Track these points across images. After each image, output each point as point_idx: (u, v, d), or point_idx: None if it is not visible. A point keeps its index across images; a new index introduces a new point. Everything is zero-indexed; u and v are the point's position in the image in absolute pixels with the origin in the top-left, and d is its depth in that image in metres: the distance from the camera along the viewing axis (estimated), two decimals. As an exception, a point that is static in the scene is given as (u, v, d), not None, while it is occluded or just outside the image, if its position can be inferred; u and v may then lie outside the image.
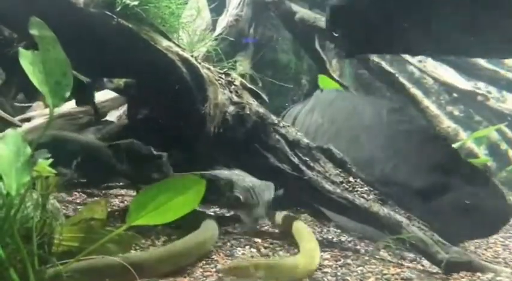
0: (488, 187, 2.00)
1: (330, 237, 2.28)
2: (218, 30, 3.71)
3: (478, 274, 1.58)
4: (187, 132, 2.12)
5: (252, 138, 2.10)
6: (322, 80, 3.49)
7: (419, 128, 2.15)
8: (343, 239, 2.23)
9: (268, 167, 2.07)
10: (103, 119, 3.21)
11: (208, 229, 1.83)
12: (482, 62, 3.36)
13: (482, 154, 5.20)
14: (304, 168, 2.05)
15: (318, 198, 2.00)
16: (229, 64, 3.50)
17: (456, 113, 6.49)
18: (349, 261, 1.78)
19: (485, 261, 1.63)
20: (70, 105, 3.04)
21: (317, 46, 3.76)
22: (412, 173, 2.04)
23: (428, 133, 2.12)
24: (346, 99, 2.53)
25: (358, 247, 2.09)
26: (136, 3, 2.15)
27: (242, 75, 3.62)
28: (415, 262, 1.81)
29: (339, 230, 2.33)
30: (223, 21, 3.72)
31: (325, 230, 2.43)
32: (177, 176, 1.37)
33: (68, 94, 1.45)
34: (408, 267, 1.71)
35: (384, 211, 1.86)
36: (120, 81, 2.45)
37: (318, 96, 2.85)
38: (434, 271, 1.73)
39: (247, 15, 3.69)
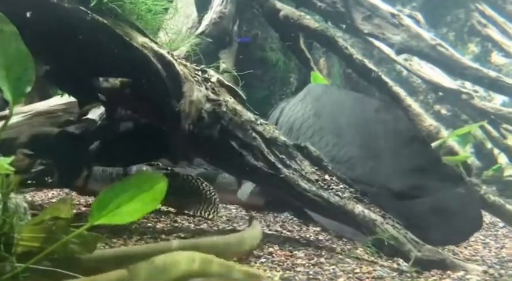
0: (465, 192, 1.98)
1: (308, 236, 2.26)
2: (201, 27, 3.67)
3: (449, 272, 1.58)
4: (162, 130, 2.08)
5: (228, 136, 2.07)
6: (315, 77, 3.48)
7: (401, 128, 2.11)
8: (321, 237, 2.21)
9: (244, 165, 2.04)
10: (84, 118, 3.16)
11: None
12: (466, 60, 3.36)
13: (464, 152, 5.23)
14: (280, 166, 2.02)
15: (294, 196, 1.98)
16: (214, 63, 3.49)
17: (443, 111, 6.54)
18: (322, 260, 1.76)
19: (458, 259, 1.62)
20: (49, 103, 2.99)
21: (301, 44, 3.75)
22: (392, 174, 2.02)
23: (409, 134, 2.08)
24: (334, 94, 2.49)
25: (335, 245, 2.08)
26: (110, -2, 2.12)
27: (225, 73, 3.61)
28: (391, 261, 1.80)
29: (317, 229, 2.31)
30: (207, 18, 3.69)
31: (304, 228, 2.41)
32: (140, 174, 1.33)
33: (29, 90, 1.42)
34: (382, 265, 1.70)
35: (359, 209, 1.84)
36: (117, 81, 2.41)
37: (309, 88, 2.82)
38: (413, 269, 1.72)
39: (231, 12, 3.66)
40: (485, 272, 1.53)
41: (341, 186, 1.96)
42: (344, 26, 3.86)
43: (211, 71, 2.26)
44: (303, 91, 2.74)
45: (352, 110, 2.26)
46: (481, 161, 5.12)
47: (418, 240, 1.69)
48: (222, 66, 3.60)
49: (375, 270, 1.62)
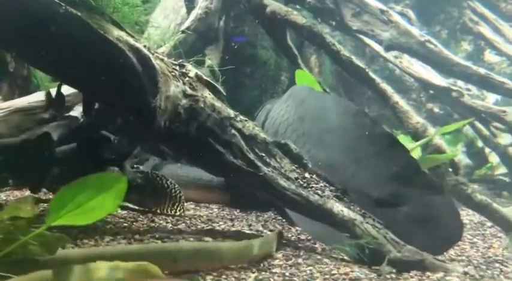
0: (444, 202, 1.93)
1: (290, 235, 2.20)
2: (187, 23, 3.60)
3: (428, 273, 1.52)
4: (138, 126, 2.01)
5: (206, 133, 2.00)
6: (299, 75, 3.41)
7: (381, 134, 2.06)
8: (302, 237, 2.15)
9: (222, 162, 1.97)
10: (66, 114, 3.09)
11: (263, 239, 1.76)
12: (455, 57, 3.31)
13: (453, 150, 5.19)
14: (260, 164, 1.96)
15: (273, 195, 1.91)
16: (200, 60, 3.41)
17: (436, 110, 6.50)
18: (300, 261, 1.70)
19: (438, 260, 1.57)
20: (29, 100, 2.91)
21: (289, 40, 3.68)
22: (372, 180, 1.98)
23: (388, 140, 2.03)
24: (317, 98, 2.45)
25: (316, 245, 2.02)
26: (84, -10, 2.04)
27: (211, 70, 3.54)
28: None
29: (300, 228, 2.25)
30: (193, 14, 3.61)
31: (286, 228, 2.35)
32: (100, 173, 1.27)
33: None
34: (360, 267, 1.64)
35: (338, 208, 1.78)
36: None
37: (293, 91, 2.77)
38: (388, 270, 1.66)
39: (217, 8, 3.58)
40: (465, 273, 1.48)
41: (321, 184, 1.89)
42: (334, 23, 3.82)
43: (189, 66, 2.19)
44: (287, 93, 2.69)
45: (333, 114, 2.22)
46: (473, 159, 5.09)
47: (398, 240, 1.63)
48: (208, 62, 3.53)
49: (352, 271, 1.56)
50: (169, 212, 2.25)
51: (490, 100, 5.51)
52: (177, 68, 2.15)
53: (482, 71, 3.14)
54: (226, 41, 3.72)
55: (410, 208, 1.88)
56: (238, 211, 2.65)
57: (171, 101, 2.01)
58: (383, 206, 1.80)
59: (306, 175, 1.95)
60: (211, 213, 2.54)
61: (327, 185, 1.90)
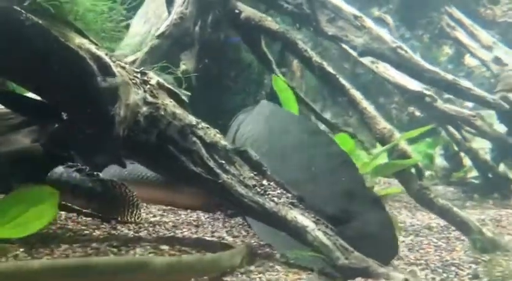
0: (380, 218, 2.00)
1: (252, 241, 2.22)
2: (161, 28, 3.61)
3: (370, 280, 1.55)
4: (97, 135, 2.02)
5: (166, 141, 2.02)
6: (276, 81, 3.45)
7: (334, 152, 2.14)
8: (263, 243, 2.18)
9: (182, 170, 1.99)
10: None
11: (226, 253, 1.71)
12: (424, 63, 3.37)
13: (434, 153, 5.25)
14: (219, 171, 1.98)
15: (231, 201, 1.94)
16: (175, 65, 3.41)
17: (417, 113, 6.59)
18: (252, 268, 1.72)
19: (383, 267, 1.60)
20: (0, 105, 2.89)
21: (263, 46, 3.72)
22: (326, 198, 2.04)
23: (340, 158, 2.11)
24: (279, 116, 2.54)
25: (276, 251, 2.04)
26: (44, -2, 2.05)
27: (185, 74, 3.55)
28: (322, 267, 1.77)
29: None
30: (168, 19, 3.62)
31: (251, 234, 2.37)
32: (30, 187, 1.27)
33: None
34: (309, 273, 1.67)
35: (291, 215, 1.81)
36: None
37: (261, 106, 2.84)
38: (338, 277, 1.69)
39: (192, 13, 3.60)
40: (406, 280, 1.51)
41: (278, 191, 1.92)
42: (312, 28, 3.86)
43: (151, 73, 2.21)
44: (256, 108, 2.75)
45: (293, 133, 2.30)
46: (449, 162, 5.18)
47: (347, 247, 1.67)
48: (183, 67, 3.55)
49: (300, 279, 1.58)
50: (128, 220, 2.26)
51: (470, 104, 5.61)
52: (139, 75, 2.17)
53: (450, 77, 3.20)
54: (202, 45, 3.73)
55: (355, 223, 1.94)
56: (206, 216, 2.67)
57: (130, 109, 2.02)
58: (336, 223, 1.86)
59: (264, 182, 1.97)
60: (178, 219, 2.55)
61: (284, 192, 1.93)
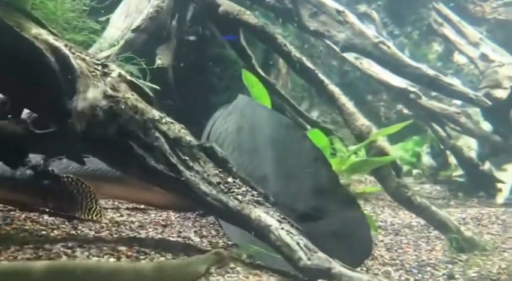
0: (355, 216, 1.91)
1: (220, 242, 2.13)
2: (137, 22, 3.50)
3: (332, 281, 1.47)
4: (53, 129, 1.92)
5: (127, 136, 1.91)
6: (246, 76, 3.36)
7: (307, 148, 2.05)
8: (231, 243, 2.08)
9: (144, 167, 1.89)
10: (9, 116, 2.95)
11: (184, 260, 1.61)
12: (406, 59, 3.29)
13: (421, 151, 5.18)
14: (182, 168, 1.88)
15: (195, 199, 1.84)
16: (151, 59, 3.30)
17: (406, 111, 6.52)
18: (212, 270, 1.62)
19: (346, 268, 1.51)
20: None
21: (242, 40, 3.62)
22: (297, 194, 1.96)
23: (313, 154, 2.03)
24: (253, 109, 2.45)
25: (242, 252, 1.95)
26: (-1, -14, 1.94)
27: (162, 69, 3.44)
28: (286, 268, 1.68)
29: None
30: (144, 13, 3.52)
31: (220, 234, 2.28)
32: None
33: None
34: (271, 275, 1.58)
35: (255, 213, 1.71)
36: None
37: (237, 101, 2.74)
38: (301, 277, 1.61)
39: (169, 7, 3.50)
40: (369, 282, 1.43)
41: (243, 189, 1.83)
42: (294, 23, 3.77)
43: (112, 66, 2.10)
44: (233, 103, 2.66)
45: (266, 127, 2.21)
46: (436, 161, 5.12)
47: (311, 247, 1.58)
48: (158, 62, 3.44)
49: (260, 280, 1.49)
50: (86, 217, 2.16)
51: (458, 102, 5.54)
52: (99, 67, 2.06)
53: (431, 72, 3.12)
54: (180, 40, 3.63)
55: (328, 222, 1.86)
56: (177, 216, 2.57)
57: (88, 103, 1.92)
58: (307, 220, 1.77)
59: (229, 179, 1.88)
60: (146, 219, 2.45)
61: (250, 190, 1.84)
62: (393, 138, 4.88)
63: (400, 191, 2.49)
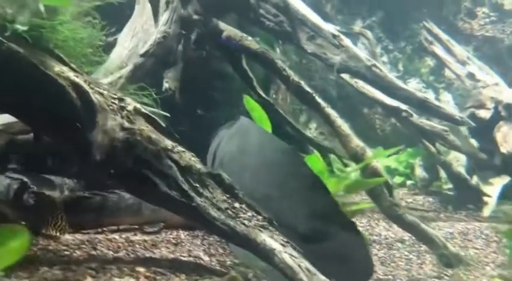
0: (357, 240, 2.09)
1: (226, 261, 2.31)
2: (145, 47, 3.70)
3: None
4: (75, 159, 2.10)
5: (142, 165, 2.10)
6: (248, 101, 3.56)
7: (306, 174, 2.23)
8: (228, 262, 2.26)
9: (157, 193, 2.07)
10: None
11: None
12: (397, 81, 3.51)
13: (415, 163, 5.38)
14: (193, 194, 2.07)
15: (204, 224, 2.02)
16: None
17: (399, 124, 6.73)
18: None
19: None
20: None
21: (244, 64, 3.83)
22: (299, 216, 2.12)
23: (313, 181, 2.20)
24: (255, 132, 2.63)
25: (249, 270, 2.13)
26: (25, 28, 2.13)
27: (170, 91, 3.63)
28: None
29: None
30: (151, 38, 3.71)
31: (227, 252, 2.46)
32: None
33: None
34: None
35: (261, 237, 1.90)
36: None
37: (240, 123, 2.93)
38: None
39: (175, 32, 3.70)
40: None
41: (249, 214, 2.02)
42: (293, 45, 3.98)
43: (128, 99, 2.29)
44: (236, 124, 2.84)
45: (267, 151, 2.39)
46: (428, 173, 5.34)
47: (312, 270, 1.77)
48: (165, 85, 3.64)
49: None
50: (51, 232, 2.30)
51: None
52: (116, 101, 2.26)
53: (420, 95, 3.35)
54: (185, 64, 3.82)
55: (328, 245, 2.03)
56: (186, 233, 2.75)
57: (107, 135, 2.11)
58: (307, 242, 1.95)
59: (236, 204, 2.07)
60: (158, 237, 2.63)
61: (255, 214, 2.03)
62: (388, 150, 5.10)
63: (392, 209, 2.69)
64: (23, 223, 2.34)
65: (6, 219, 2.40)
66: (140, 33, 4.80)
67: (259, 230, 1.95)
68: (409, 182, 5.31)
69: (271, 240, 1.90)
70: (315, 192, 2.12)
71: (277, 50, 5.14)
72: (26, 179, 2.43)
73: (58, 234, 2.30)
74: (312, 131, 6.32)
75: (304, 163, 2.27)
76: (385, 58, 7.10)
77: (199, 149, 2.27)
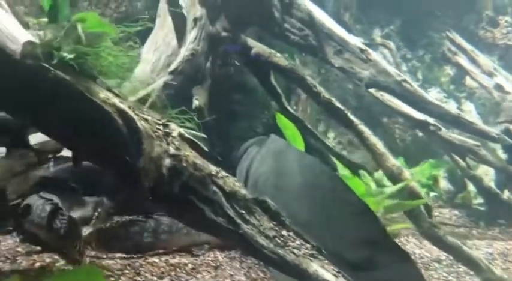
0: (408, 267, 2.07)
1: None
2: (174, 65, 3.72)
3: None
4: (123, 186, 2.11)
5: (188, 191, 2.10)
6: (280, 119, 3.56)
7: (353, 200, 2.21)
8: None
9: (203, 219, 2.07)
10: (58, 155, 3.19)
11: None
12: (428, 97, 3.48)
13: (438, 175, 5.30)
14: (239, 221, 2.06)
15: (251, 252, 2.02)
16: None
17: (420, 134, 6.66)
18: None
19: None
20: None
21: (272, 81, 3.83)
22: (346, 243, 2.10)
23: (359, 206, 2.18)
24: (292, 154, 2.61)
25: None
26: (72, 56, 2.16)
27: (199, 109, 3.64)
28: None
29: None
30: (180, 56, 3.74)
31: (268, 275, 2.44)
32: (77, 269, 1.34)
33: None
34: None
35: (313, 268, 1.89)
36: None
37: (272, 141, 2.92)
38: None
39: (204, 49, 3.72)
40: None
41: (297, 242, 2.00)
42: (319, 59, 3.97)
43: (172, 125, 2.30)
44: (267, 143, 2.82)
45: (309, 174, 2.37)
46: (454, 185, 5.27)
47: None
48: (195, 103, 3.65)
49: None
50: (71, 256, 2.29)
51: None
52: (161, 127, 2.27)
53: (454, 111, 3.32)
54: (214, 80, 3.83)
55: (381, 273, 2.00)
56: (223, 255, 2.74)
57: (154, 162, 2.11)
58: (356, 270, 1.92)
59: (284, 232, 2.05)
60: (196, 260, 2.62)
61: (303, 242, 2.01)
62: (409, 161, 5.04)
63: (432, 230, 2.65)
64: (55, 246, 2.37)
65: (38, 240, 2.43)
66: (162, 47, 4.85)
67: (310, 259, 1.93)
68: (432, 194, 5.24)
69: (323, 270, 1.88)
70: (363, 219, 2.10)
71: (297, 60, 5.15)
72: (56, 200, 2.45)
73: (78, 258, 2.31)
74: (330, 140, 6.29)
75: (350, 189, 2.25)
76: (404, 67, 7.07)
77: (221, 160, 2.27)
